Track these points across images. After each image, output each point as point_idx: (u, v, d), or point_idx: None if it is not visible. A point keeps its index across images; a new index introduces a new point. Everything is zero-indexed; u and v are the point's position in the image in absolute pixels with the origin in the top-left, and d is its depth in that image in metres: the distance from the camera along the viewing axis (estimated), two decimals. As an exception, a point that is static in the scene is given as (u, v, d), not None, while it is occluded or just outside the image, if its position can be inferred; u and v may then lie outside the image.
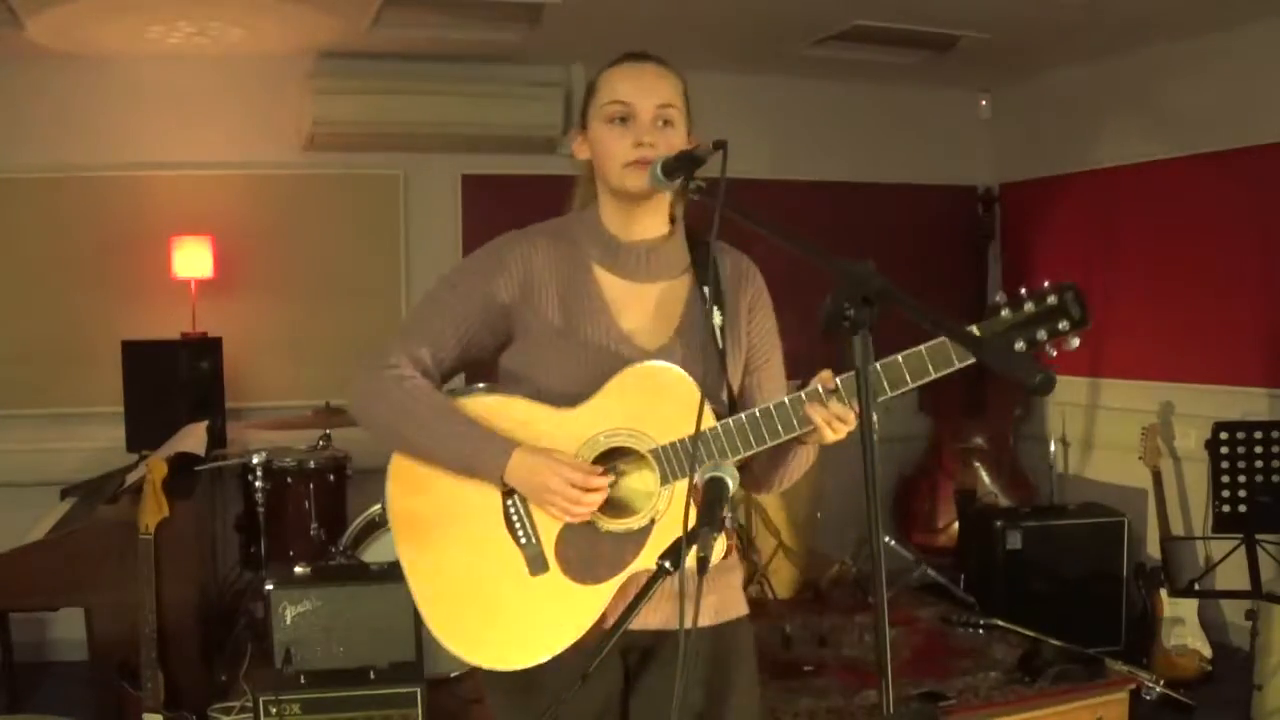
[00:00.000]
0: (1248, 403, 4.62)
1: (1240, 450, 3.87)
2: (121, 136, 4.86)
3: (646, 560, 1.76)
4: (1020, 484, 5.56)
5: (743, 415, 1.76)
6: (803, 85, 5.68)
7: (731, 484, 1.61)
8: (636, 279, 1.87)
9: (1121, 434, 5.08)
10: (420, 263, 5.19)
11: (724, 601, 1.91)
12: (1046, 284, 1.65)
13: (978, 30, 4.78)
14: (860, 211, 5.72)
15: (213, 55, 4.87)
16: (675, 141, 1.81)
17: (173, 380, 4.52)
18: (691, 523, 1.59)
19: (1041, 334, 1.63)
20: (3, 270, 4.83)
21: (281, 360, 5.06)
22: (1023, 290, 1.66)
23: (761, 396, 1.92)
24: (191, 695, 3.62)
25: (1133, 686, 3.65)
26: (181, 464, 3.87)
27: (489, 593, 1.80)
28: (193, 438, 4.14)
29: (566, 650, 1.77)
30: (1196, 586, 4.20)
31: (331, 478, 4.38)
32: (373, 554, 3.98)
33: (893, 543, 4.89)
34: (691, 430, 1.72)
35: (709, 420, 1.76)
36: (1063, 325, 1.63)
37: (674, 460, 1.76)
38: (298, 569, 3.49)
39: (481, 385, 1.87)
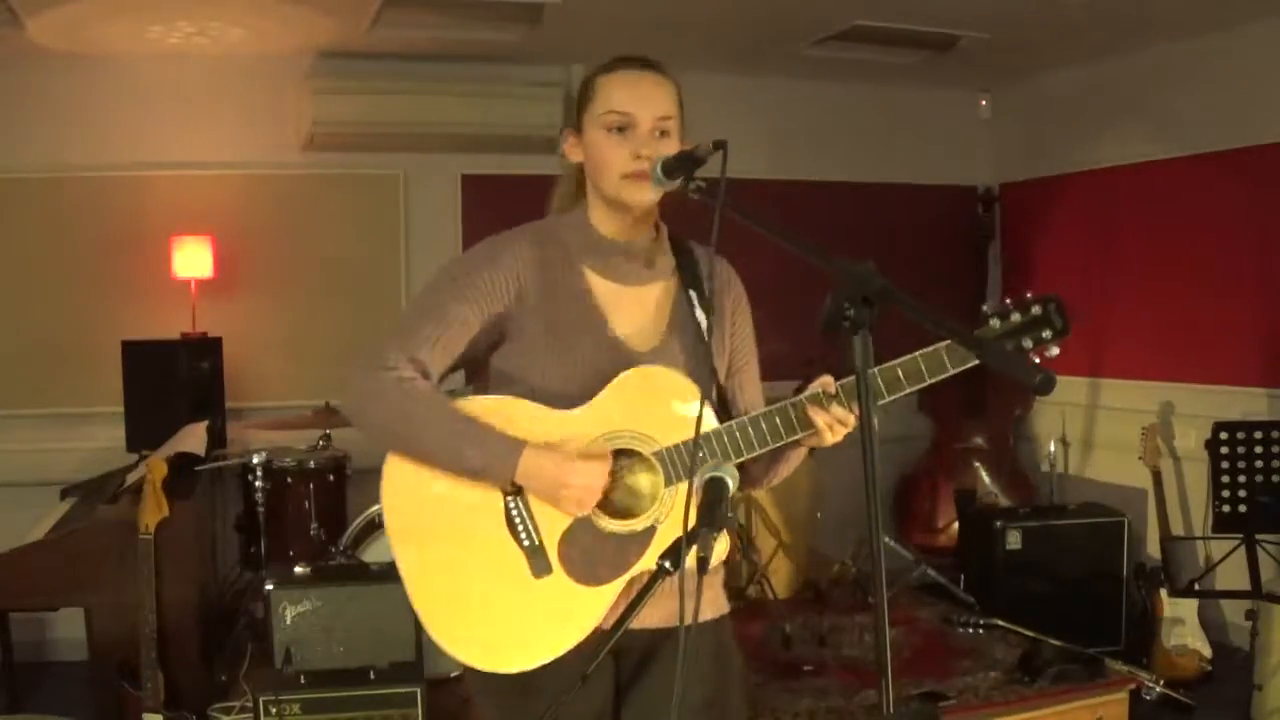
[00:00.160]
0: (1248, 403, 4.62)
1: (1240, 450, 3.87)
2: (121, 136, 4.86)
3: (650, 561, 1.77)
4: (1020, 484, 5.56)
5: (745, 418, 1.79)
6: (803, 85, 5.68)
7: (731, 484, 1.62)
8: (626, 281, 1.89)
9: (1121, 434, 5.08)
10: (420, 263, 5.19)
11: (715, 599, 1.93)
12: (1030, 295, 1.77)
13: (978, 30, 4.78)
14: (860, 211, 5.72)
15: (213, 55, 4.87)
16: (670, 152, 1.81)
17: (173, 380, 4.51)
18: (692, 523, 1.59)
19: (1027, 342, 1.76)
20: (3, 270, 4.83)
21: (281, 360, 5.06)
22: (1009, 301, 1.79)
23: (743, 398, 1.98)
24: (191, 695, 3.62)
25: (1133, 686, 3.65)
26: (181, 464, 3.87)
27: (491, 595, 1.79)
28: (193, 438, 4.14)
29: (567, 652, 1.77)
30: (1196, 586, 4.20)
31: (331, 478, 4.38)
32: (373, 554, 3.98)
33: (893, 543, 4.89)
34: (693, 432, 1.73)
35: (711, 423, 1.78)
36: (1046, 334, 1.77)
37: (677, 462, 1.78)
38: (298, 569, 3.49)
39: (470, 389, 1.88)
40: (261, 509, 4.28)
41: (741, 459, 1.78)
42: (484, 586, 1.79)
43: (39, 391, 4.83)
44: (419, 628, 3.35)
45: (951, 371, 1.77)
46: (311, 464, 4.35)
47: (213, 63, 4.92)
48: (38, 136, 4.80)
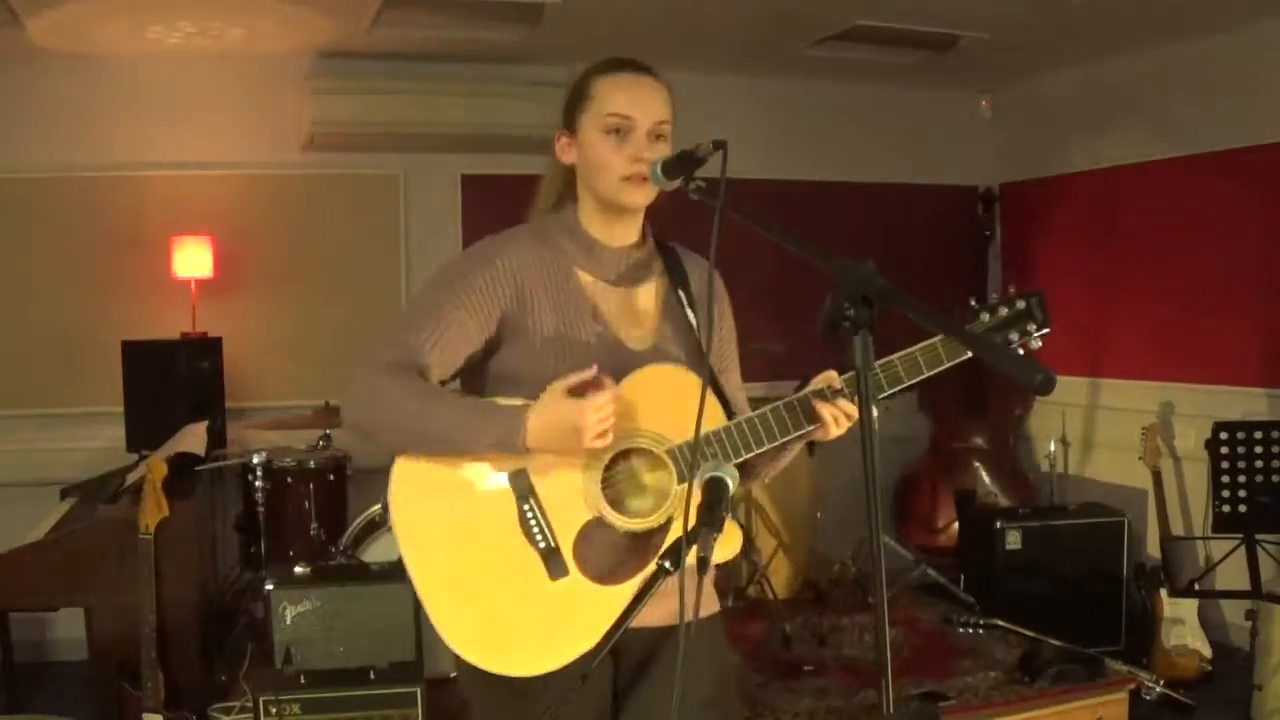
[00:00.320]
0: (1247, 403, 4.62)
1: (1240, 450, 3.87)
2: (121, 136, 4.86)
3: None
4: (1020, 484, 5.56)
5: (753, 414, 1.81)
6: (803, 85, 5.68)
7: (732, 484, 1.62)
8: (618, 283, 1.90)
9: (1121, 434, 5.08)
10: (420, 263, 5.19)
11: (709, 597, 1.94)
12: (1013, 290, 1.86)
13: (978, 30, 4.78)
14: (860, 211, 5.72)
15: (213, 55, 4.87)
16: (665, 155, 1.82)
17: (173, 380, 4.51)
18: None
19: (1013, 335, 1.85)
20: (3, 270, 4.83)
21: (281, 360, 5.06)
22: (993, 296, 1.91)
23: (731, 399, 1.98)
24: (191, 695, 3.62)
25: (1133, 686, 3.65)
26: (181, 464, 3.87)
27: (508, 600, 1.77)
28: (193, 438, 4.14)
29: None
30: (1196, 586, 4.20)
31: (331, 478, 4.39)
32: (373, 554, 3.98)
33: (893, 543, 4.89)
34: (705, 430, 1.76)
35: (721, 420, 1.81)
36: (1030, 327, 1.86)
37: (688, 460, 1.79)
38: (298, 569, 3.49)
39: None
40: (261, 509, 4.28)
41: (751, 454, 1.80)
42: (500, 591, 1.77)
43: (39, 391, 4.83)
44: (419, 627, 3.39)
45: (947, 365, 1.81)
46: (311, 464, 4.35)
47: (213, 63, 4.92)
48: (38, 136, 4.80)
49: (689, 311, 1.92)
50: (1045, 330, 1.86)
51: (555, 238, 1.90)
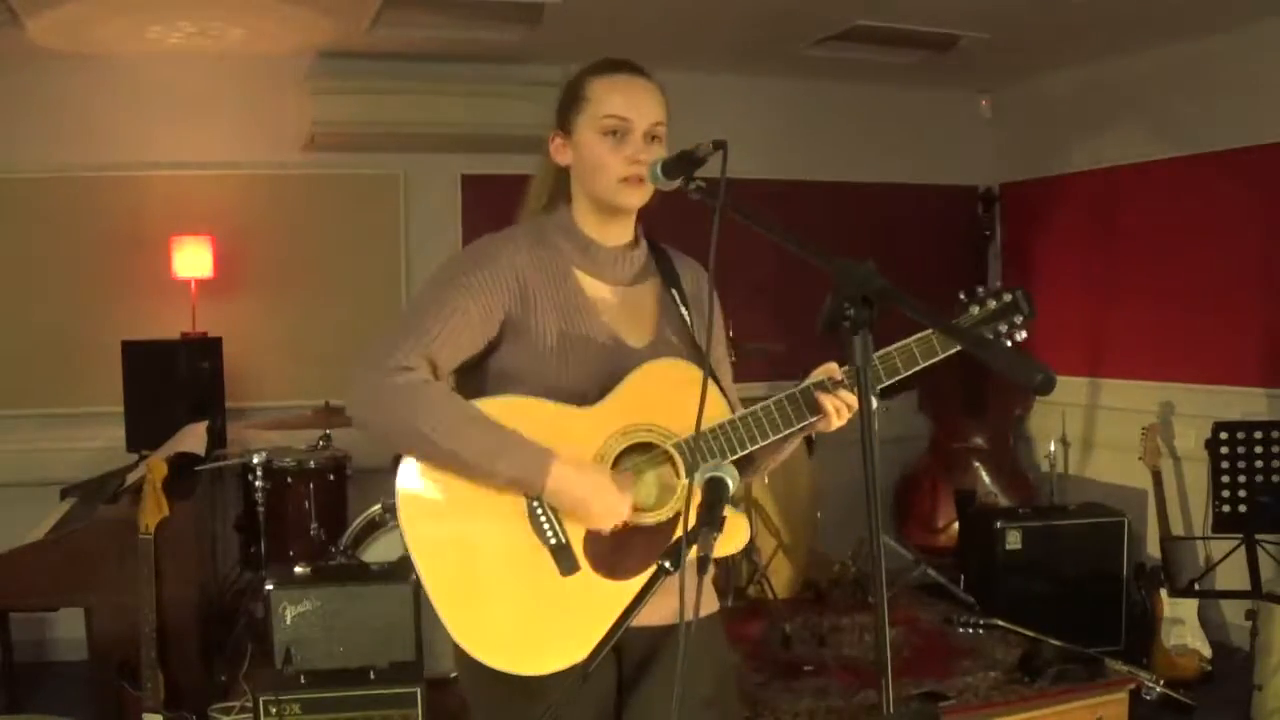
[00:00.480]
0: (1247, 403, 4.62)
1: (1240, 450, 3.86)
2: (121, 136, 4.86)
3: None
4: (1020, 484, 5.56)
5: (755, 406, 1.83)
6: (803, 85, 5.68)
7: (732, 484, 1.62)
8: (614, 282, 1.92)
9: (1121, 434, 5.08)
10: (420, 263, 5.19)
11: (708, 596, 1.94)
12: (998, 284, 1.83)
13: (978, 30, 4.78)
14: (860, 211, 5.73)
15: (213, 55, 4.88)
16: (660, 157, 1.82)
17: (173, 380, 4.51)
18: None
19: (1003, 326, 1.90)
20: (3, 270, 4.83)
21: (281, 360, 5.06)
22: (980, 290, 1.92)
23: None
24: (191, 695, 3.62)
25: (1133, 686, 3.65)
26: (181, 464, 3.87)
27: (518, 596, 1.77)
28: (193, 438, 4.14)
29: None
30: (1196, 586, 4.20)
31: (331, 478, 4.39)
32: (373, 554, 3.98)
33: (893, 543, 4.89)
34: (711, 423, 1.79)
35: (725, 414, 1.83)
36: (1017, 318, 1.90)
37: (696, 452, 1.80)
38: (298, 569, 3.49)
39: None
40: (261, 509, 4.28)
41: (756, 446, 1.83)
42: (512, 589, 1.77)
43: (39, 391, 4.83)
44: (419, 627, 3.39)
45: (942, 355, 1.85)
46: (311, 464, 4.35)
47: (213, 63, 4.92)
48: (38, 136, 4.80)
49: (683, 310, 1.94)
50: (1031, 320, 1.91)
51: (551, 237, 1.90)
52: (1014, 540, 4.69)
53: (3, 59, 4.70)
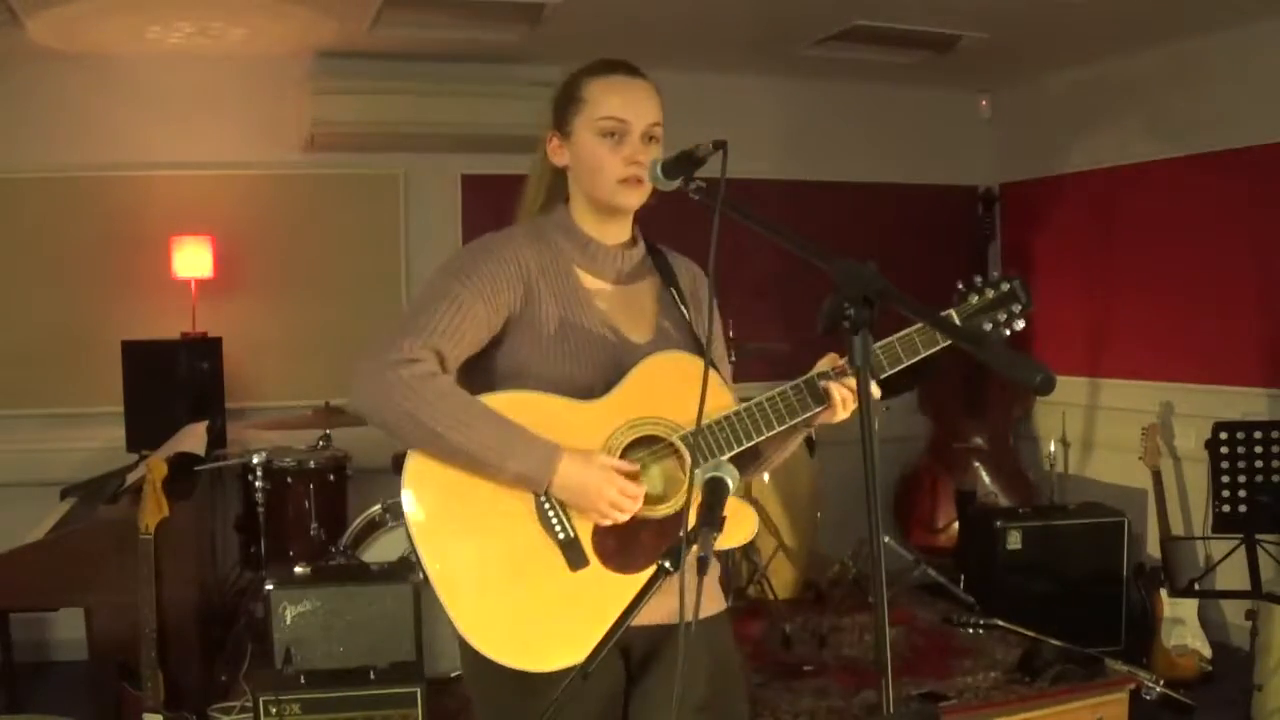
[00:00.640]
0: (1247, 403, 4.62)
1: (1240, 450, 3.86)
2: (121, 136, 4.86)
3: None
4: (1020, 484, 5.56)
5: (761, 397, 1.83)
6: (803, 85, 5.68)
7: (731, 484, 1.62)
8: (614, 280, 1.93)
9: (1121, 434, 5.08)
10: (420, 263, 5.19)
11: (714, 595, 1.94)
12: (996, 274, 1.92)
13: (978, 30, 4.78)
14: (860, 211, 5.72)
15: (213, 55, 4.87)
16: (657, 157, 1.83)
17: (173, 380, 4.52)
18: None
19: (1001, 315, 1.91)
20: (3, 270, 4.83)
21: (281, 360, 5.06)
22: (978, 279, 1.94)
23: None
24: (191, 695, 3.62)
25: (1133, 686, 3.65)
26: (181, 464, 3.87)
27: (527, 592, 1.76)
28: (193, 438, 4.14)
29: None
30: (1196, 586, 4.20)
31: (331, 478, 4.39)
32: (373, 554, 3.98)
33: (893, 543, 4.89)
34: (715, 415, 1.79)
35: (731, 405, 1.84)
36: (1015, 307, 1.92)
37: (703, 444, 1.80)
38: (298, 569, 3.49)
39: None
40: (261, 509, 4.28)
41: (762, 437, 1.83)
42: (518, 583, 1.76)
43: (39, 391, 4.83)
44: (419, 627, 3.39)
45: (941, 345, 1.86)
46: (311, 464, 4.35)
47: (213, 63, 4.91)
48: (38, 136, 4.80)
49: (682, 307, 1.95)
50: (1029, 310, 1.92)
51: (551, 236, 1.91)
52: (1014, 540, 4.69)
53: (3, 59, 4.70)
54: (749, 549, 4.55)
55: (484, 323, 1.83)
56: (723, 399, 1.85)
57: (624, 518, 1.77)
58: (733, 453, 1.82)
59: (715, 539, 1.55)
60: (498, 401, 1.79)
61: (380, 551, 3.97)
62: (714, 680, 1.88)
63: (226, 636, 4.20)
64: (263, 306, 5.07)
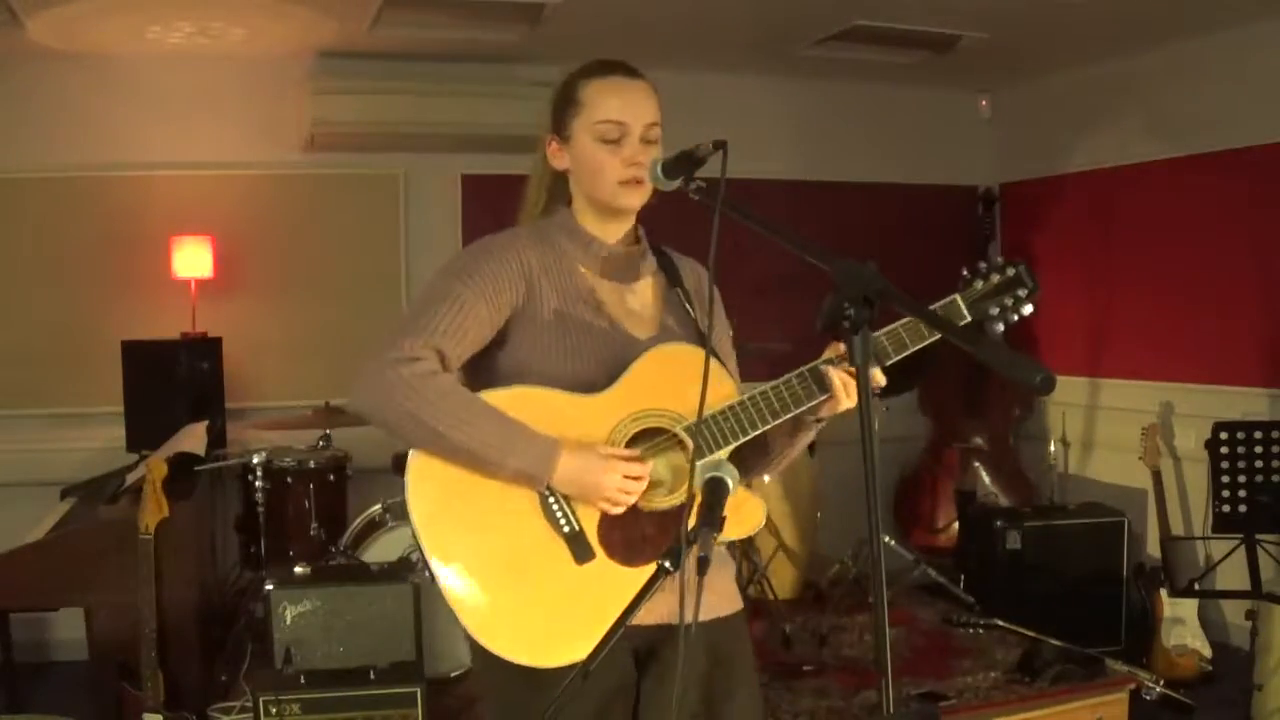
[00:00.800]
0: (1247, 403, 4.62)
1: (1240, 450, 3.86)
2: (121, 136, 4.86)
3: None
4: (1020, 484, 5.56)
5: (765, 386, 1.81)
6: (803, 85, 5.68)
7: (731, 484, 1.62)
8: (616, 278, 1.93)
9: (1121, 434, 5.08)
10: (420, 263, 5.19)
11: (720, 597, 1.92)
12: (1000, 259, 1.91)
13: (978, 30, 4.78)
14: (860, 211, 5.72)
15: (213, 55, 4.87)
16: (656, 157, 1.83)
17: (173, 380, 4.52)
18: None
19: (1008, 300, 1.91)
20: (3, 270, 4.83)
21: (281, 360, 5.06)
22: (983, 265, 1.93)
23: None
24: (191, 695, 3.62)
25: (1133, 686, 3.65)
26: (181, 464, 3.87)
27: (533, 587, 1.76)
28: (193, 438, 4.14)
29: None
30: (1196, 586, 4.20)
31: (331, 478, 4.39)
32: (373, 554, 3.98)
33: (893, 543, 4.89)
34: (718, 405, 1.78)
35: (735, 395, 1.83)
36: (1021, 292, 1.91)
37: (706, 435, 1.79)
38: (298, 569, 3.49)
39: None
40: (261, 509, 4.28)
41: (767, 426, 1.82)
42: (524, 578, 1.76)
43: (39, 391, 4.83)
44: (419, 627, 3.39)
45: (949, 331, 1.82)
46: (311, 464, 4.35)
47: (213, 63, 4.91)
48: (38, 136, 4.80)
49: (687, 305, 1.95)
50: (1036, 295, 1.92)
51: (554, 237, 1.92)
52: (1014, 540, 4.69)
53: (3, 59, 4.70)
54: (749, 549, 4.55)
55: (485, 321, 1.83)
56: (726, 390, 1.85)
57: (631, 500, 1.77)
58: (738, 442, 1.81)
59: (715, 539, 1.55)
60: (499, 398, 1.79)
61: (380, 551, 3.97)
62: (715, 679, 1.87)
63: (226, 636, 4.20)
64: (263, 306, 5.07)
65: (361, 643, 3.34)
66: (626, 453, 1.79)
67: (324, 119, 4.86)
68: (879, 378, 1.79)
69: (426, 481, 1.79)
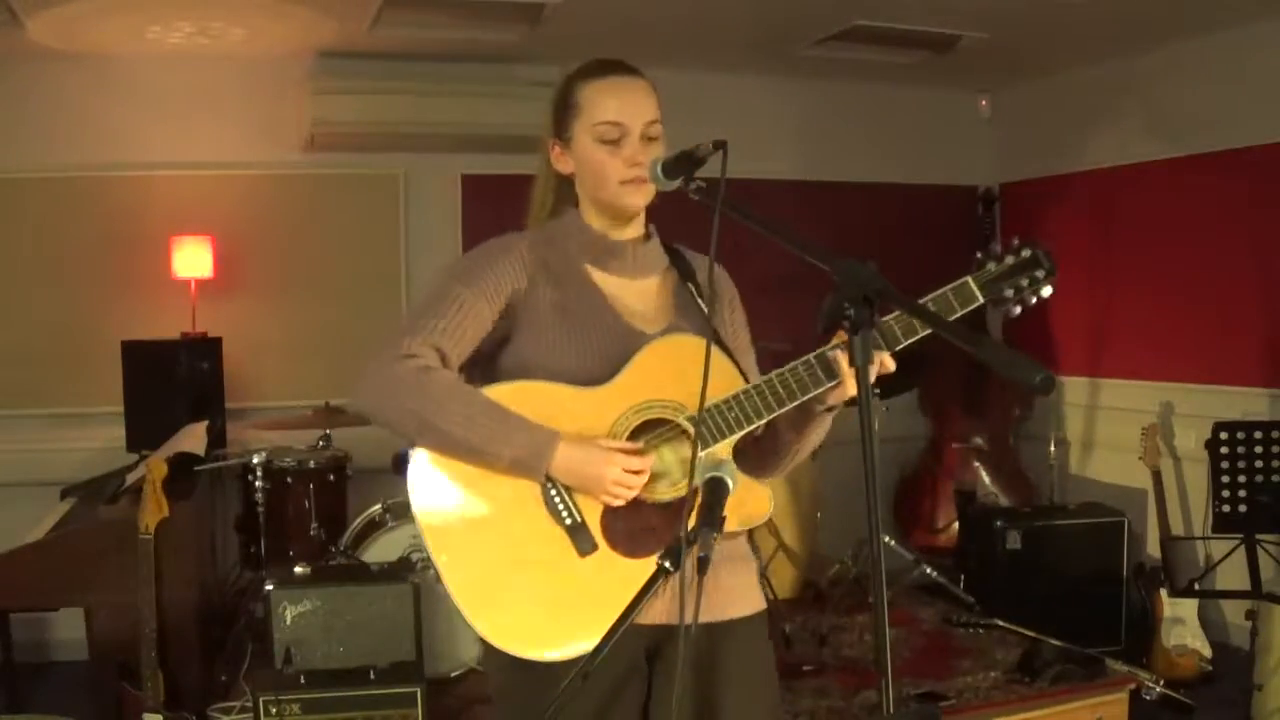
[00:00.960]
0: (1248, 403, 4.62)
1: (1240, 450, 3.86)
2: (121, 136, 4.86)
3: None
4: (1020, 484, 5.56)
5: (771, 374, 1.79)
6: (803, 85, 5.68)
7: (732, 484, 1.62)
8: (625, 275, 1.93)
9: (1121, 434, 5.08)
10: (420, 263, 5.19)
11: (730, 598, 1.90)
12: (1016, 240, 1.88)
13: (978, 30, 4.78)
14: (860, 211, 5.72)
15: (213, 55, 4.87)
16: (658, 155, 1.83)
17: (173, 380, 4.52)
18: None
19: (1024, 281, 1.85)
20: (3, 270, 4.83)
21: (281, 360, 5.06)
22: (995, 247, 1.88)
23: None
24: (191, 695, 3.62)
25: (1133, 686, 3.65)
26: (181, 464, 3.87)
27: (536, 580, 1.76)
28: (193, 438, 4.14)
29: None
30: (1196, 586, 4.20)
31: (331, 478, 4.38)
32: (373, 554, 3.98)
33: (893, 543, 4.89)
34: (722, 395, 1.76)
35: (738, 381, 1.81)
36: (1038, 273, 1.86)
37: (709, 424, 1.78)
38: (298, 569, 3.49)
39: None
40: (261, 509, 4.28)
41: (773, 414, 1.78)
42: (529, 573, 1.76)
43: (39, 391, 4.83)
44: (419, 627, 3.39)
45: (960, 312, 1.83)
46: (311, 464, 4.35)
47: (213, 63, 4.91)
48: (38, 136, 4.80)
49: (699, 301, 1.93)
50: (1053, 276, 1.87)
51: (560, 239, 1.92)
52: (1014, 540, 4.69)
53: (3, 59, 4.70)
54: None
55: (486, 320, 1.84)
56: (732, 380, 1.83)
57: (631, 494, 1.76)
58: (744, 430, 1.78)
59: (715, 539, 1.55)
60: (501, 393, 1.80)
61: (380, 551, 3.97)
62: (717, 682, 1.85)
63: (226, 636, 4.20)
64: (263, 306, 5.07)
65: (361, 643, 3.34)
66: (628, 445, 1.78)
67: (324, 119, 4.86)
68: (889, 363, 1.75)
69: (430, 479, 1.80)
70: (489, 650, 1.77)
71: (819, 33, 4.87)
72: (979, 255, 1.88)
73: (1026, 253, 1.86)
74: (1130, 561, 4.76)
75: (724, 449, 1.79)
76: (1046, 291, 1.87)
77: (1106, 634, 4.60)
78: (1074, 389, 5.53)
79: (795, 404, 1.80)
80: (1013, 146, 5.98)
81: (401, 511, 4.10)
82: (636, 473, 1.76)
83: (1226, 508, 3.88)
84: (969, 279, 1.85)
